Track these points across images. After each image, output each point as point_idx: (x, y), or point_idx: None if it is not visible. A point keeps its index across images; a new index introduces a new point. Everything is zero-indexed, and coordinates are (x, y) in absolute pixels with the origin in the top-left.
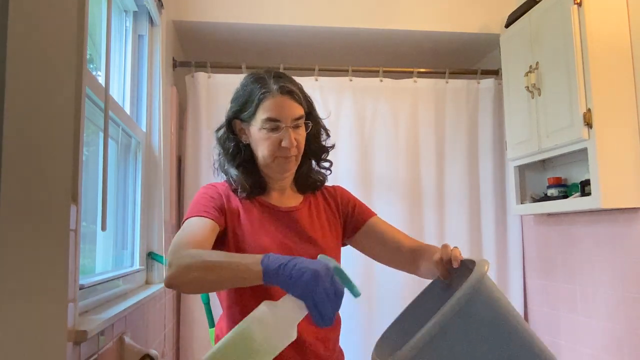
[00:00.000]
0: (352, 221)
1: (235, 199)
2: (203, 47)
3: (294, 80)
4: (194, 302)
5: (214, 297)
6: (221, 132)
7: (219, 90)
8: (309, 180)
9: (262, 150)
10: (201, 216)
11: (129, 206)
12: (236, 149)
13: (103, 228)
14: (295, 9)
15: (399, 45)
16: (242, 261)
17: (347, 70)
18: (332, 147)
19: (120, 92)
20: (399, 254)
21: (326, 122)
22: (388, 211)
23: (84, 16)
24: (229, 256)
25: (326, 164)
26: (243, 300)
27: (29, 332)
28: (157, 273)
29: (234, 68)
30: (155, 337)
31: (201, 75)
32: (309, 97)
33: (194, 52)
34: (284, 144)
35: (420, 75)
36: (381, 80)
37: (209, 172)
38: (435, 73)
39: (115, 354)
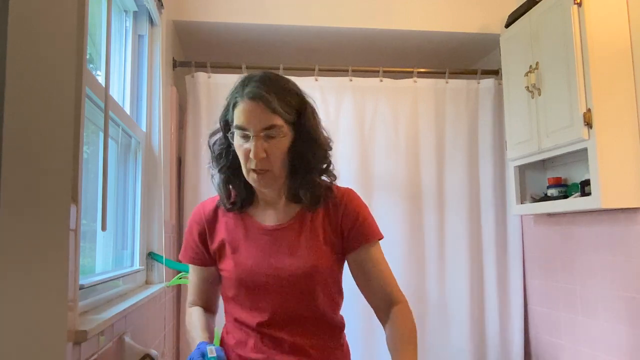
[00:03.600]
0: (348, 239)
1: (222, 216)
2: (203, 47)
3: (279, 84)
4: None
5: None
6: (216, 136)
7: (219, 90)
8: (299, 194)
9: (240, 160)
10: (188, 263)
11: (129, 206)
12: (221, 153)
13: (103, 228)
14: (295, 9)
15: (399, 45)
16: (193, 336)
17: (347, 70)
18: (328, 164)
19: (120, 92)
20: (370, 299)
21: (325, 122)
22: (388, 211)
23: (84, 16)
24: (193, 330)
25: (325, 179)
26: (229, 309)
27: (29, 332)
28: (157, 273)
29: (234, 68)
30: (155, 337)
31: (201, 75)
32: (305, 103)
33: (194, 52)
34: (250, 154)
35: (420, 75)
36: (381, 80)
37: (209, 172)
38: (435, 73)
39: (115, 354)
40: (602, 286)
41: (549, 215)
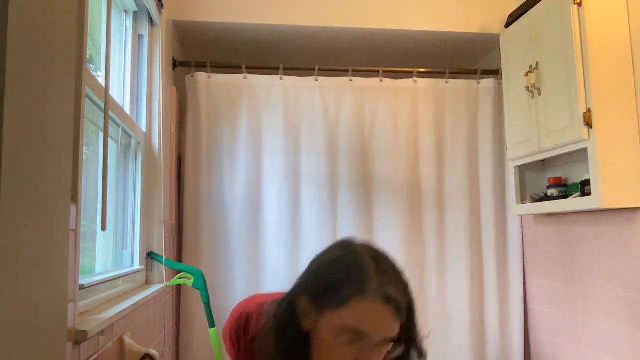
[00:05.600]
0: None
1: None
2: (203, 47)
3: (400, 279)
4: (194, 302)
5: (214, 297)
6: (283, 305)
7: (219, 90)
8: None
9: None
10: None
11: (129, 206)
12: (289, 333)
13: (103, 228)
14: (295, 9)
15: (399, 45)
16: None
17: (347, 70)
18: None
19: (120, 92)
20: None
21: (325, 122)
22: (388, 211)
23: (84, 16)
24: None
25: None
26: None
27: (29, 331)
28: (157, 273)
29: (234, 68)
30: (155, 337)
31: (201, 75)
32: (412, 300)
33: (194, 52)
34: None
35: (420, 75)
36: (381, 80)
37: (209, 172)
38: (435, 73)
39: (115, 354)
40: (602, 286)
41: (549, 215)
